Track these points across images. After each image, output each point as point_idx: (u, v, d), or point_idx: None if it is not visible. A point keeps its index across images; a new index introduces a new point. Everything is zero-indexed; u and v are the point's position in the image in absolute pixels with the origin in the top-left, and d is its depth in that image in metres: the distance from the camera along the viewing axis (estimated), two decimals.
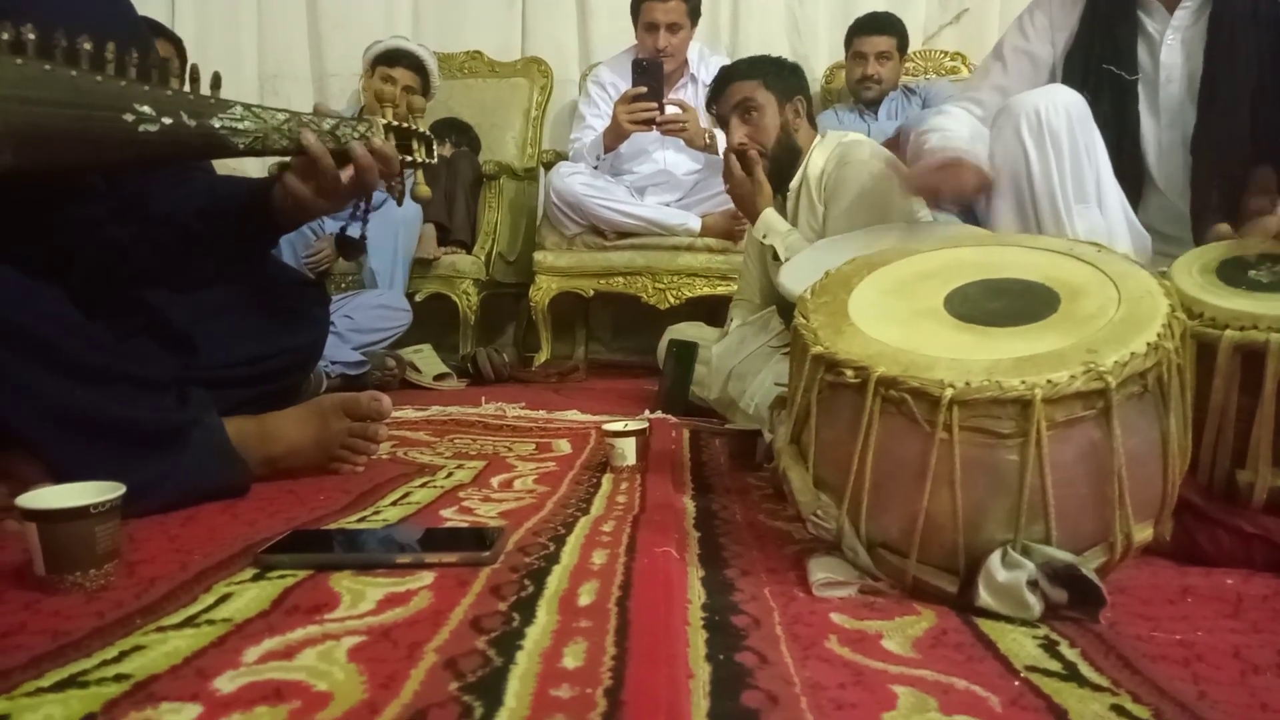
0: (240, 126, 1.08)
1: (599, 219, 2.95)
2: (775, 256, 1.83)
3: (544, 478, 1.35)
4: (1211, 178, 1.45)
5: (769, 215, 1.86)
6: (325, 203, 1.17)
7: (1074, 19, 1.58)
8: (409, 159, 1.24)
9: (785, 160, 1.91)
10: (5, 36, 0.92)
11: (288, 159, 1.17)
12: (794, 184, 1.91)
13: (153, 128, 1.01)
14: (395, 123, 1.22)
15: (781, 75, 1.93)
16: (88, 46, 0.98)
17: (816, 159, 1.90)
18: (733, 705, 0.61)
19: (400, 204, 1.30)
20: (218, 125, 1.06)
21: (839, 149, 1.88)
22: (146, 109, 1.01)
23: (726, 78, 1.95)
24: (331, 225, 2.85)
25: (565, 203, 2.94)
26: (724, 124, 1.97)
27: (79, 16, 1.03)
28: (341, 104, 3.50)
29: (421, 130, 1.26)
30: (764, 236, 1.85)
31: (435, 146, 1.28)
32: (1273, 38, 1.41)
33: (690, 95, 3.03)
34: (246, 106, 1.09)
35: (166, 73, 1.04)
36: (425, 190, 1.27)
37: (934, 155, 1.47)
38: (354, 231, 1.26)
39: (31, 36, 0.94)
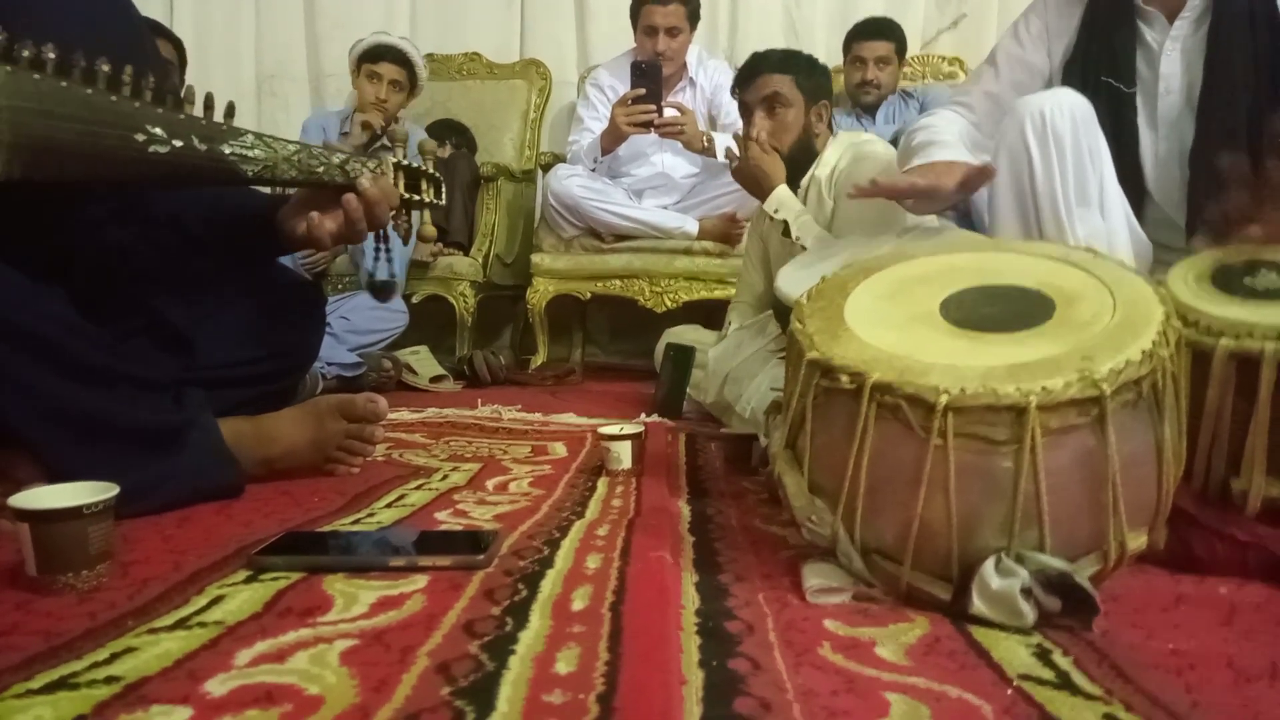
0: (250, 154, 1.09)
1: (596, 221, 2.95)
2: (785, 232, 1.82)
3: (539, 481, 1.35)
4: (1208, 189, 1.45)
5: (782, 191, 1.85)
6: (337, 241, 1.19)
7: (1071, 27, 1.57)
8: (418, 198, 1.25)
9: (800, 161, 1.90)
10: (26, 54, 0.93)
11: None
12: (804, 182, 1.91)
13: (163, 149, 1.02)
14: (406, 162, 1.23)
15: (813, 76, 1.92)
16: (106, 69, 0.99)
17: (829, 157, 1.90)
18: (725, 712, 0.61)
19: (406, 242, 1.31)
20: (228, 151, 1.07)
21: (852, 147, 1.88)
22: (158, 130, 1.02)
23: (758, 67, 1.93)
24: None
25: (563, 205, 2.94)
26: (746, 112, 1.95)
27: (79, 16, 1.03)
28: (339, 104, 3.50)
29: (432, 172, 1.27)
30: (775, 211, 1.84)
31: (444, 190, 1.29)
32: (1268, 46, 1.41)
33: (689, 98, 3.03)
34: (258, 135, 1.10)
35: (180, 99, 1.05)
36: (431, 230, 1.29)
37: (919, 158, 1.47)
38: (382, 274, 1.28)
39: (52, 55, 0.95)
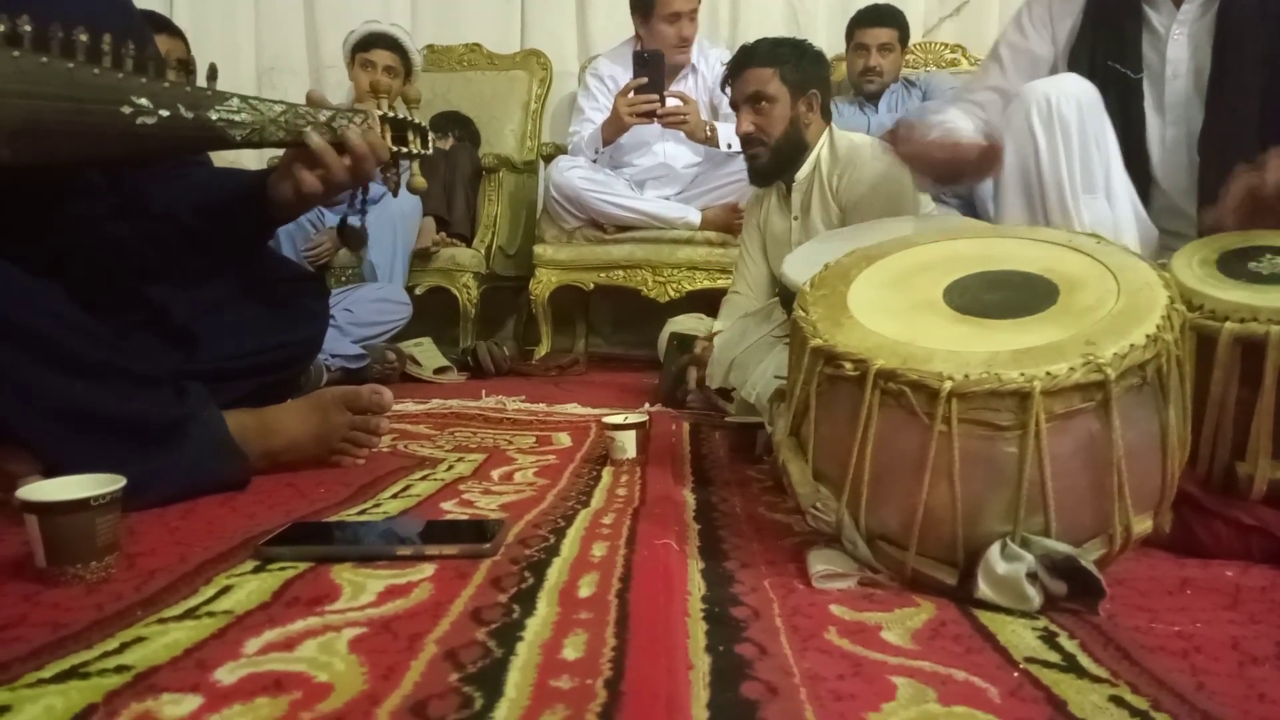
0: (237, 119, 1.07)
1: (598, 213, 2.94)
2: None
3: (544, 470, 1.36)
4: (1219, 175, 1.44)
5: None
6: (326, 193, 1.17)
7: (1075, 13, 1.56)
8: (404, 150, 1.23)
9: (790, 153, 1.90)
10: (1, 29, 0.92)
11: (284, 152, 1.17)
12: (801, 174, 1.91)
13: (150, 120, 1.01)
14: (391, 114, 1.21)
15: (800, 66, 1.90)
16: (84, 39, 0.97)
17: (826, 154, 1.89)
18: (732, 696, 0.61)
19: (395, 195, 1.29)
20: (215, 117, 1.06)
21: (851, 152, 1.87)
22: (144, 101, 1.00)
23: (745, 62, 1.92)
24: (331, 218, 2.85)
25: (564, 197, 2.93)
26: (735, 107, 1.96)
27: (76, 10, 1.03)
28: (339, 96, 3.49)
29: (417, 121, 1.25)
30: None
31: (431, 138, 1.27)
32: (1278, 30, 1.40)
33: (691, 87, 3.03)
34: (243, 98, 1.09)
35: (163, 65, 1.04)
36: (420, 182, 1.27)
37: (935, 131, 1.46)
38: (355, 221, 1.26)
39: (28, 28, 0.93)
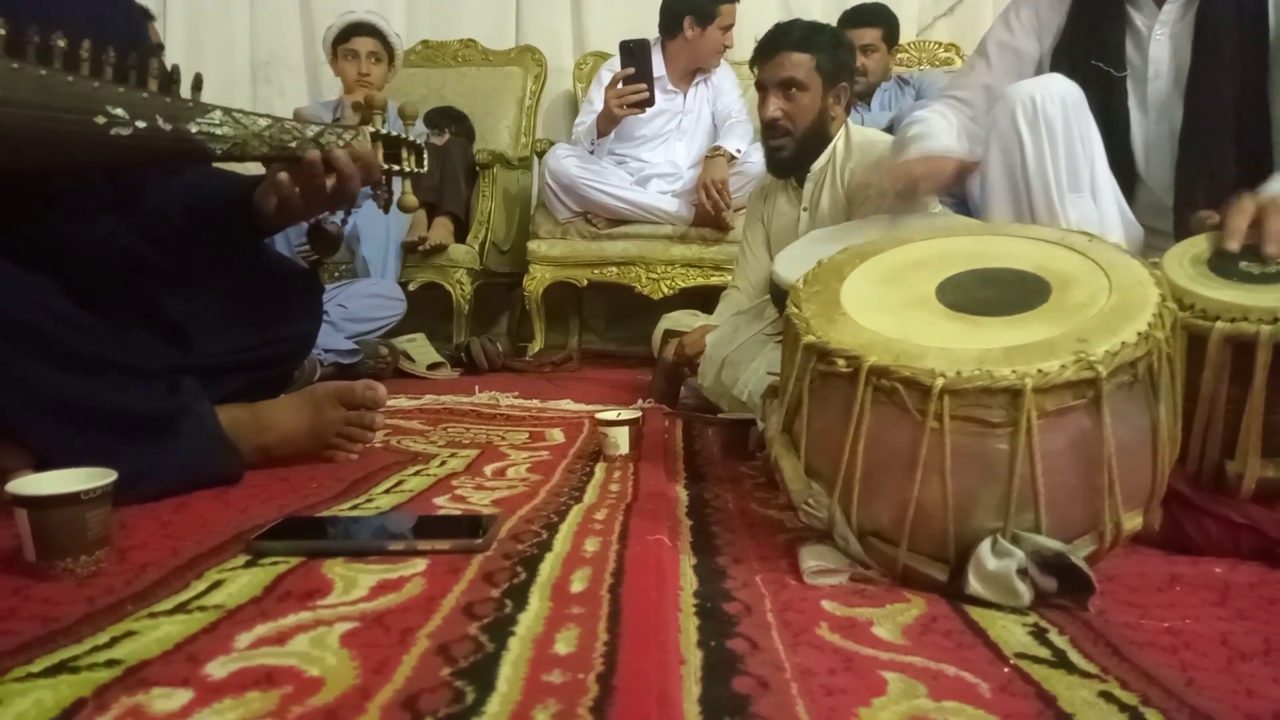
0: (218, 132, 1.05)
1: (591, 203, 2.94)
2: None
3: (537, 466, 1.36)
4: (1197, 173, 1.45)
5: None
6: (307, 208, 1.16)
7: (1061, 14, 1.57)
8: (396, 168, 1.21)
9: (813, 145, 1.87)
10: None
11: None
12: (817, 166, 1.89)
13: (125, 131, 0.98)
14: (386, 131, 1.19)
15: (835, 57, 1.85)
16: (61, 44, 0.95)
17: (842, 146, 1.89)
18: (723, 691, 0.61)
19: (386, 212, 1.27)
20: (194, 130, 1.03)
21: (867, 145, 1.86)
22: (120, 112, 0.98)
23: (779, 43, 1.84)
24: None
25: (559, 184, 2.93)
26: (761, 89, 1.89)
27: (76, 13, 1.01)
28: (334, 92, 3.48)
29: (412, 139, 1.23)
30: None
31: (425, 157, 1.25)
32: (1256, 35, 1.41)
33: (702, 94, 3.06)
34: (227, 111, 1.06)
35: (145, 74, 1.02)
36: (412, 200, 1.24)
37: (913, 149, 1.48)
38: (334, 222, 1.25)
39: (2, 32, 0.92)
